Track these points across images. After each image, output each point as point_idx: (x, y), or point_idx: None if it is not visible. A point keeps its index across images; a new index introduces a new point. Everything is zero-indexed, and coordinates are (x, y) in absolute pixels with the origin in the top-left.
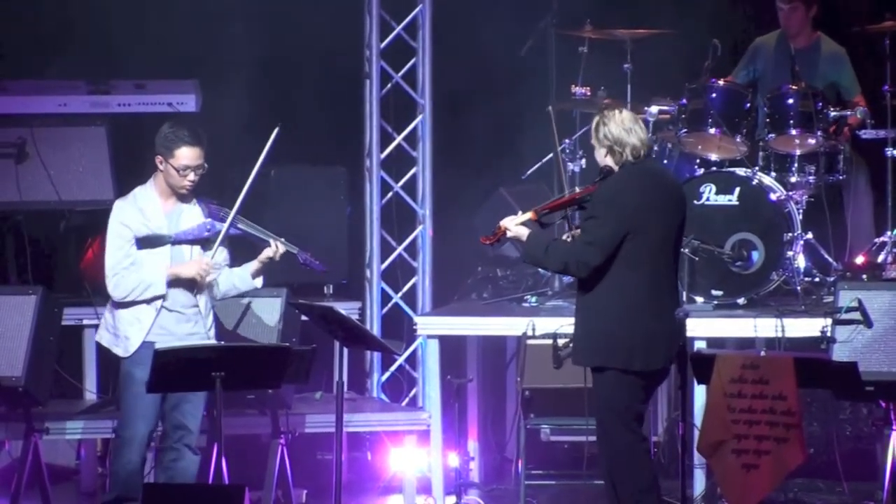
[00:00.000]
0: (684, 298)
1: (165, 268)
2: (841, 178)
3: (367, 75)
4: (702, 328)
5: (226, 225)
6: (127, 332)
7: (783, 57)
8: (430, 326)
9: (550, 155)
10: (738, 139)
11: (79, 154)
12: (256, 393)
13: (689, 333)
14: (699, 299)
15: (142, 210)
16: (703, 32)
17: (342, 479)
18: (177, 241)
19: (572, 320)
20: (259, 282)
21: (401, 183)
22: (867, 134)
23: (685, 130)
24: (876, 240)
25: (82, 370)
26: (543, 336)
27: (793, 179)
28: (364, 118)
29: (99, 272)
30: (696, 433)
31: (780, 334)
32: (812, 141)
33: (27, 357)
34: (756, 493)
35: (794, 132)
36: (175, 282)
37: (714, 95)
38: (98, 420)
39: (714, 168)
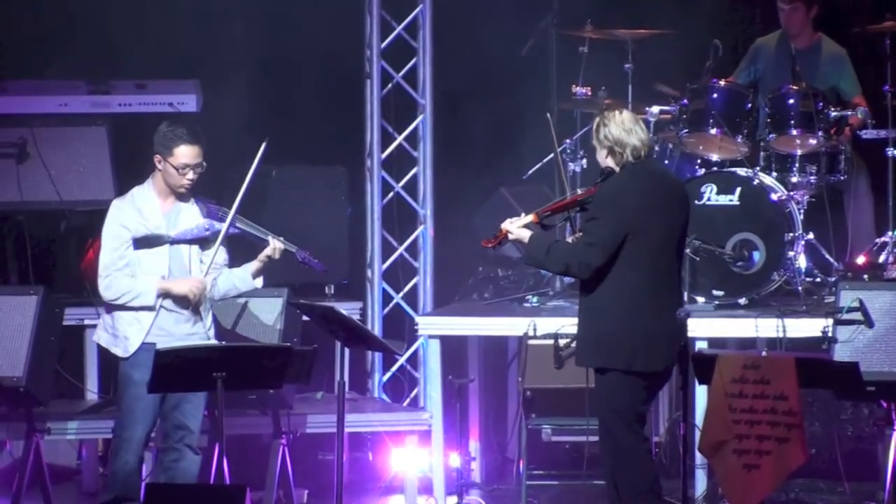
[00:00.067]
0: (685, 298)
1: (158, 280)
2: (842, 178)
3: (368, 75)
4: (703, 328)
5: (225, 225)
6: (126, 332)
7: (784, 57)
8: (432, 326)
9: (551, 155)
10: (739, 139)
11: (79, 154)
12: (258, 393)
13: (690, 334)
14: (700, 299)
15: (140, 210)
16: (703, 32)
17: (343, 480)
18: (175, 241)
19: (573, 320)
20: (259, 282)
21: (402, 183)
22: (868, 134)
23: (686, 131)
24: (877, 240)
25: (83, 370)
26: (545, 336)
27: (794, 180)
28: (365, 118)
29: None
30: (698, 433)
31: (781, 334)
32: (813, 141)
33: (28, 357)
34: (757, 494)
35: (794, 132)
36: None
37: (715, 96)
38: (99, 420)
39: (715, 168)
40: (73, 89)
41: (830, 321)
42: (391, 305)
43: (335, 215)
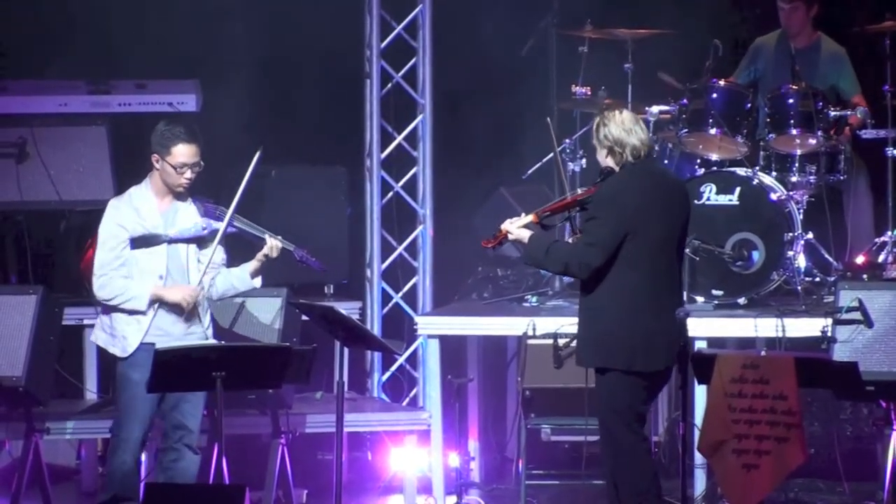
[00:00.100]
0: (685, 298)
1: (153, 285)
2: (841, 178)
3: (368, 75)
4: (702, 328)
5: (223, 224)
6: (125, 331)
7: (784, 57)
8: (431, 326)
9: (550, 155)
10: (738, 139)
11: (79, 154)
12: (257, 393)
13: (689, 333)
14: (700, 299)
15: (137, 209)
16: (703, 32)
17: (342, 479)
18: (173, 240)
19: (573, 320)
20: (258, 282)
21: (401, 183)
22: (867, 134)
23: (686, 130)
24: (876, 240)
25: (83, 370)
26: (544, 336)
27: (793, 179)
28: (364, 118)
29: None
30: (697, 433)
31: (780, 334)
32: (812, 141)
33: (28, 357)
34: (756, 493)
35: (794, 132)
36: (171, 283)
37: (715, 95)
38: (99, 420)
39: (715, 168)
40: (73, 89)
41: (830, 321)
42: (390, 305)
43: (335, 215)
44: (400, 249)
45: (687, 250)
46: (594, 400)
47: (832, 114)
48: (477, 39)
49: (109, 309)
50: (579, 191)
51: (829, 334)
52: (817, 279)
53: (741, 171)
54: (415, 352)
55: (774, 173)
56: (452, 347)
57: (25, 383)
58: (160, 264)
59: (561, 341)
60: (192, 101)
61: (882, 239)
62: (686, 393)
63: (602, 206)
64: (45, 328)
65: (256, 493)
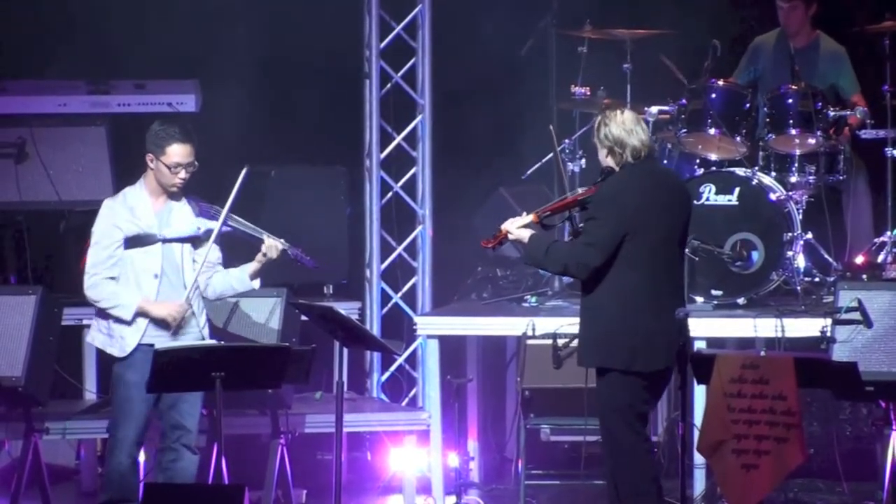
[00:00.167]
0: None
1: (141, 298)
2: (841, 178)
3: (367, 75)
4: (702, 328)
5: (218, 223)
6: (122, 332)
7: (783, 56)
8: (430, 326)
9: (550, 155)
10: (737, 139)
11: (78, 154)
12: (256, 393)
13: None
14: (699, 299)
15: (132, 209)
16: (702, 32)
17: (342, 479)
18: (168, 240)
19: (572, 320)
20: (257, 283)
21: (400, 183)
22: (867, 134)
23: (685, 130)
24: (876, 240)
25: (82, 370)
26: (543, 336)
27: (793, 179)
28: (364, 118)
29: None
30: (696, 433)
31: (779, 334)
32: (812, 141)
33: (27, 357)
34: (756, 493)
35: (793, 132)
36: (166, 282)
37: (714, 95)
38: (98, 420)
39: (714, 168)
40: (73, 89)
41: (829, 321)
42: (390, 305)
43: (334, 215)
44: (399, 250)
45: (686, 250)
46: (594, 400)
47: (831, 114)
48: (476, 39)
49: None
50: (579, 190)
51: (828, 334)
52: (817, 279)
53: (740, 172)
54: (414, 352)
55: (774, 173)
56: (452, 348)
57: (25, 383)
58: (155, 264)
59: (560, 341)
60: (191, 101)
61: (881, 239)
62: (685, 393)
63: (601, 207)
64: (44, 328)
65: (256, 493)
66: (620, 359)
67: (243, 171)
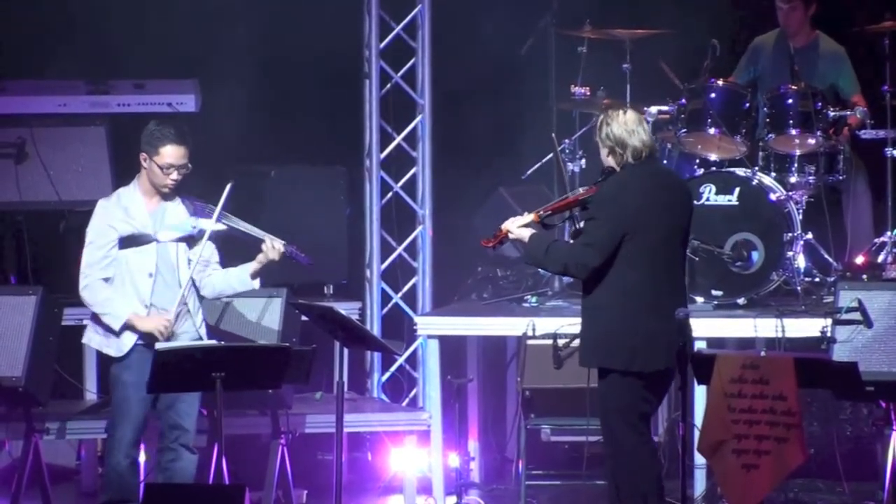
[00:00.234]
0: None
1: (132, 312)
2: (840, 178)
3: (367, 75)
4: (702, 328)
5: (211, 221)
6: (119, 332)
7: (782, 56)
8: (431, 326)
9: (550, 155)
10: (737, 139)
11: (78, 154)
12: (256, 393)
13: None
14: (699, 299)
15: (126, 209)
16: (702, 32)
17: (342, 480)
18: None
19: (572, 320)
20: (257, 283)
21: (400, 183)
22: (867, 134)
23: (685, 130)
24: (876, 240)
25: (82, 370)
26: (544, 336)
27: (792, 179)
28: (364, 118)
29: None
30: (697, 433)
31: (780, 334)
32: (812, 141)
33: (27, 357)
34: (756, 493)
35: (793, 132)
36: (161, 281)
37: (713, 95)
38: (98, 420)
39: (714, 168)
40: (73, 89)
41: (829, 321)
42: (390, 305)
43: (334, 215)
44: (399, 250)
45: (687, 250)
46: (596, 400)
47: (831, 114)
48: (476, 39)
49: None
50: (580, 190)
51: (828, 334)
52: (817, 279)
53: (740, 172)
54: (414, 352)
55: (774, 173)
56: (452, 348)
57: (25, 383)
58: (150, 263)
59: (560, 341)
60: (191, 101)
61: (881, 239)
62: (686, 393)
63: (601, 207)
64: (44, 328)
65: (256, 493)
66: (620, 359)
67: (228, 186)
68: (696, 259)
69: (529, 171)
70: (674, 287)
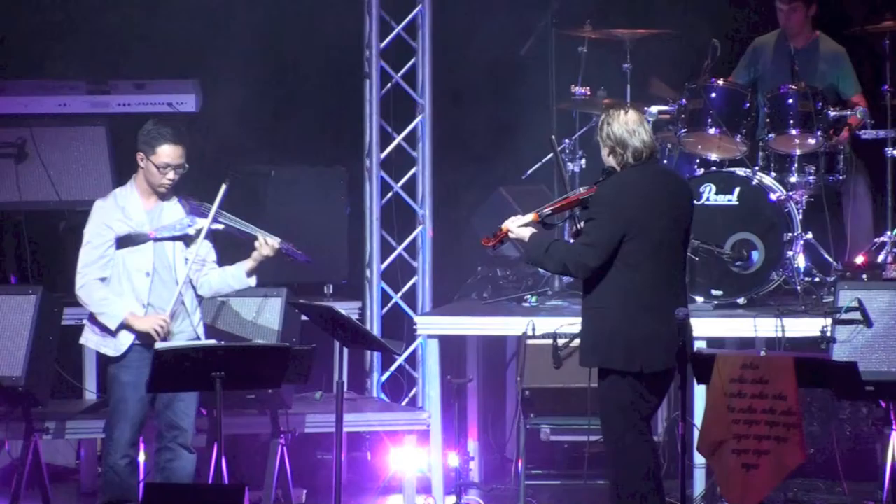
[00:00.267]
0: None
1: (128, 312)
2: (840, 178)
3: (367, 75)
4: (702, 328)
5: (208, 220)
6: (116, 332)
7: (783, 57)
8: (430, 326)
9: (550, 155)
10: (737, 139)
11: (78, 154)
12: (256, 393)
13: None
14: (699, 299)
15: (123, 209)
16: (702, 32)
17: (342, 479)
18: (159, 239)
19: (572, 320)
20: (253, 280)
21: (401, 183)
22: (867, 134)
23: (685, 130)
24: (875, 240)
25: (82, 370)
26: (543, 336)
27: (793, 179)
28: (364, 118)
29: None
30: (696, 433)
31: (779, 334)
32: (812, 141)
33: (27, 357)
34: (756, 493)
35: (793, 132)
36: (157, 280)
37: (714, 95)
38: (98, 420)
39: (714, 168)
40: (73, 89)
41: (829, 321)
42: (390, 305)
43: (334, 215)
44: (399, 249)
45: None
46: (597, 400)
47: (831, 114)
48: (476, 40)
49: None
50: (581, 190)
51: (828, 334)
52: (817, 279)
53: (740, 171)
54: (414, 352)
55: (774, 173)
56: (452, 347)
57: (25, 383)
58: (146, 262)
59: (560, 341)
60: (191, 101)
61: (881, 239)
62: (685, 393)
63: (601, 207)
64: (44, 328)
65: (256, 492)
66: (620, 359)
67: (224, 185)
68: (696, 259)
69: (529, 171)
70: (674, 287)
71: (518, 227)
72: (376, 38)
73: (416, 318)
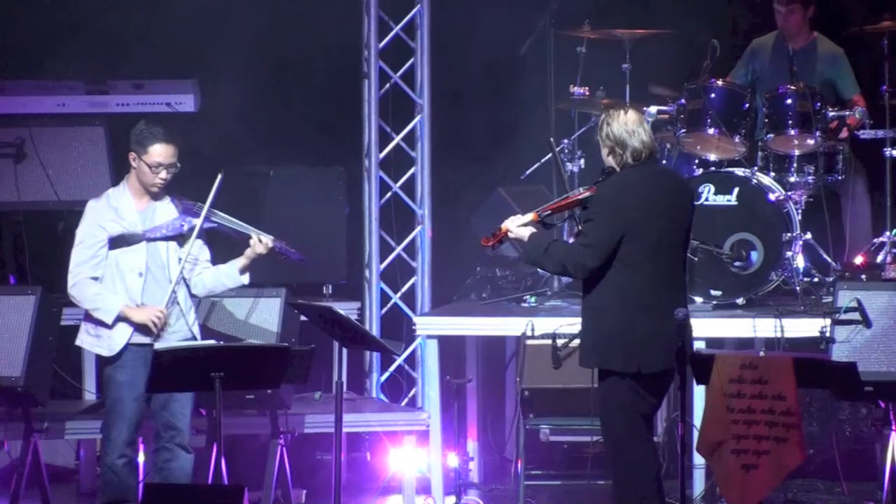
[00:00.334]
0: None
1: (124, 304)
2: (839, 178)
3: (366, 75)
4: (701, 328)
5: (200, 218)
6: (110, 332)
7: (781, 57)
8: (430, 326)
9: (549, 155)
10: (736, 139)
11: (77, 154)
12: (255, 393)
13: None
14: (698, 299)
15: (116, 209)
16: (701, 33)
17: (341, 480)
18: (152, 238)
19: (571, 320)
20: (246, 278)
21: (399, 183)
22: (866, 134)
23: (684, 130)
24: (875, 240)
25: (81, 370)
26: (542, 336)
27: (791, 179)
28: (363, 118)
29: None
30: (696, 433)
31: (779, 334)
32: (811, 141)
33: (26, 357)
34: (755, 494)
35: (792, 132)
36: (151, 280)
37: (713, 96)
38: (97, 420)
39: (713, 168)
40: (71, 89)
41: (828, 321)
42: (389, 305)
43: (333, 215)
44: (398, 250)
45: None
46: (597, 400)
47: (830, 114)
48: (475, 39)
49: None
50: (580, 190)
51: (827, 334)
52: (816, 279)
53: (739, 172)
54: (413, 352)
55: (773, 173)
56: (451, 348)
57: (24, 383)
58: (139, 262)
59: (559, 341)
60: (190, 101)
61: (880, 239)
62: (685, 393)
63: (600, 208)
64: (43, 328)
65: (255, 493)
66: (619, 360)
67: (216, 183)
68: (696, 259)
69: (528, 171)
70: (673, 287)
71: (517, 227)
72: (375, 38)
73: (416, 319)
